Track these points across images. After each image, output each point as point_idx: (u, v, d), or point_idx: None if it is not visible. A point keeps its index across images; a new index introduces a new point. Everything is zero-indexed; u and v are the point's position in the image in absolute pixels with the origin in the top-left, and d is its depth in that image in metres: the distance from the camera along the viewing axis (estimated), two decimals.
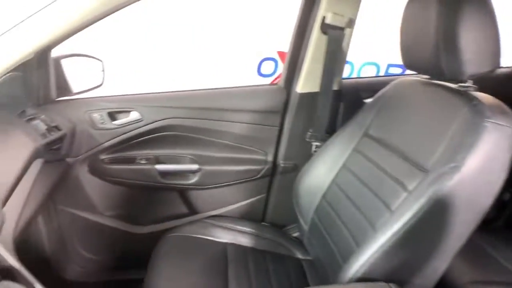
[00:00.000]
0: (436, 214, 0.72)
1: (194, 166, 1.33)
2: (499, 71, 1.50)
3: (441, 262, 0.78)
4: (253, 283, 1.02)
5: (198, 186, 1.36)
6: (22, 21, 0.89)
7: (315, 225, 1.09)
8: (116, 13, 0.97)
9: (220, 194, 1.39)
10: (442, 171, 0.71)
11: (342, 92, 1.34)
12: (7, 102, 1.04)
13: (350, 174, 1.01)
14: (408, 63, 0.95)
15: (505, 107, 0.75)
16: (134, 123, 1.24)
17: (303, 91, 1.29)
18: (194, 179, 1.34)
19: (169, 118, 1.27)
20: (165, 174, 1.31)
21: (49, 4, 0.88)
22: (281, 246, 1.20)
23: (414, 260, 0.76)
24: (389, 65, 2.66)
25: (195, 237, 1.15)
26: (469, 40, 0.76)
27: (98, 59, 1.22)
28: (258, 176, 1.38)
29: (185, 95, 1.33)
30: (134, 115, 1.25)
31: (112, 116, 1.24)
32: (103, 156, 1.27)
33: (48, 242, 1.27)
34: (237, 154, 1.36)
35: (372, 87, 1.17)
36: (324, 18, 1.19)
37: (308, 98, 1.29)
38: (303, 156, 1.29)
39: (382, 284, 0.72)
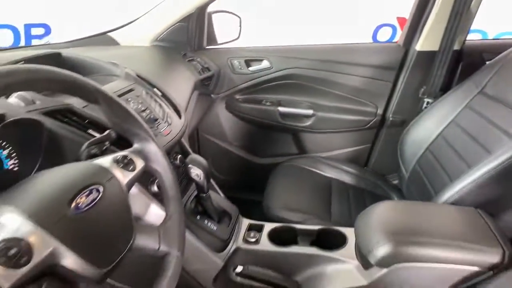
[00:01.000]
0: None
1: (309, 111, 1.53)
2: None
3: None
4: (352, 210, 1.20)
5: (310, 129, 1.56)
6: None
7: (416, 173, 1.19)
8: None
9: (328, 138, 1.58)
10: None
11: (463, 52, 1.35)
12: (175, 46, 1.39)
13: (459, 129, 1.07)
14: None
15: None
16: (264, 70, 1.50)
17: (422, 49, 1.35)
18: (308, 123, 1.55)
19: (293, 68, 1.49)
20: (284, 116, 1.55)
21: None
22: (380, 188, 1.34)
23: (503, 196, 0.84)
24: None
25: (306, 168, 1.37)
26: None
27: (237, 16, 1.48)
28: (366, 126, 1.52)
29: (308, 48, 1.53)
30: (265, 63, 1.50)
31: (248, 63, 1.52)
32: (238, 96, 1.57)
33: None
34: (349, 105, 1.51)
35: (496, 49, 1.17)
36: None
37: (427, 56, 1.35)
38: (413, 112, 1.37)
39: (472, 209, 0.81)
